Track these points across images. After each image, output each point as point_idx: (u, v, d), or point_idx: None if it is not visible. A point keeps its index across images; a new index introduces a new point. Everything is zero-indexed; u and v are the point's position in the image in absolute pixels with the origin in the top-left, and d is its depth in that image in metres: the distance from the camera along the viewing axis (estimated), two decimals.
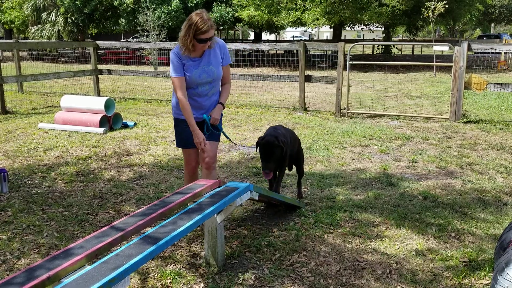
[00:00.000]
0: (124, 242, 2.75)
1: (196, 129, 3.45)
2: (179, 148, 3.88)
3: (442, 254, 3.32)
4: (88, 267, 2.10)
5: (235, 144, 3.58)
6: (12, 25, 33.40)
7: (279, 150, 3.74)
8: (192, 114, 3.45)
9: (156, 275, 3.06)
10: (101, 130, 7.31)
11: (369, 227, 3.77)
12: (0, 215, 4.06)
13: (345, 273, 3.07)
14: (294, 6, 21.51)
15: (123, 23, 26.06)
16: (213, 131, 3.64)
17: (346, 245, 3.47)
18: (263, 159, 3.73)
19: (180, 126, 3.68)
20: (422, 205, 4.22)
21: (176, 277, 3.02)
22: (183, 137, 3.70)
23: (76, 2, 26.15)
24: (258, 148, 3.79)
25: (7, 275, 3.06)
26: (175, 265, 3.20)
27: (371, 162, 5.66)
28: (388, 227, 3.77)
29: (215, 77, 3.56)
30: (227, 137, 3.70)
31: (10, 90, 12.44)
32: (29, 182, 4.95)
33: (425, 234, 3.64)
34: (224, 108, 3.72)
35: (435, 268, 3.13)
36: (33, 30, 29.52)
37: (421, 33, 43.50)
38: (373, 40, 34.52)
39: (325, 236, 3.61)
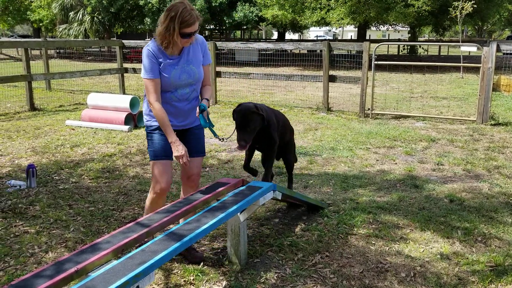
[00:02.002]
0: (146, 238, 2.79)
1: (176, 140, 2.92)
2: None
3: (467, 258, 3.27)
4: (114, 262, 2.14)
5: (222, 140, 3.29)
6: (40, 24, 34.17)
7: (258, 118, 3.23)
8: (168, 121, 2.93)
9: (179, 272, 3.10)
10: (126, 127, 7.42)
11: (393, 229, 3.73)
12: (29, 209, 4.16)
13: (368, 275, 3.05)
14: (319, 6, 21.40)
15: (148, 22, 26.35)
16: (211, 124, 3.10)
17: (369, 247, 3.44)
18: (238, 128, 3.20)
19: (156, 133, 3.10)
20: (448, 208, 4.16)
21: (199, 274, 3.05)
22: (161, 145, 3.09)
23: (103, 1, 26.57)
24: (233, 115, 3.26)
25: (35, 267, 3.14)
26: (198, 262, 3.23)
27: (396, 163, 5.60)
28: (412, 230, 3.72)
29: (197, 78, 3.09)
30: (215, 135, 3.19)
31: (38, 87, 12.73)
32: (57, 177, 5.06)
33: (451, 237, 3.59)
34: (209, 106, 3.15)
35: (460, 272, 3.08)
36: (60, 29, 30.13)
37: (448, 33, 42.76)
38: (399, 40, 34.10)
39: (348, 237, 3.59)
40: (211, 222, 2.63)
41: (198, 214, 2.79)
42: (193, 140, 3.21)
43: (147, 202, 3.22)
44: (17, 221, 3.90)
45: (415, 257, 3.28)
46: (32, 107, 9.47)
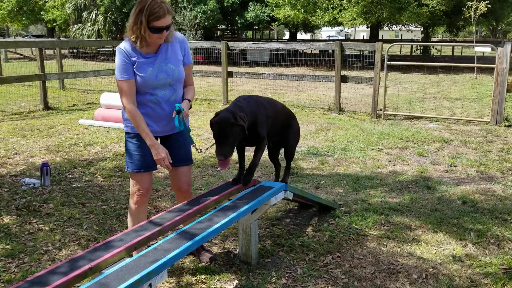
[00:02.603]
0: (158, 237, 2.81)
1: (155, 142, 2.75)
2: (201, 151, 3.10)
3: (480, 260, 3.24)
4: (127, 260, 2.17)
5: (199, 150, 3.03)
6: (54, 24, 34.50)
7: (238, 129, 2.88)
8: (145, 124, 2.75)
9: (191, 270, 3.11)
10: None
11: (405, 230, 3.71)
12: (43, 207, 4.22)
13: (380, 276, 3.04)
14: (331, 6, 21.33)
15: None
16: (186, 128, 2.90)
17: (381, 248, 3.43)
18: (216, 141, 2.89)
19: (133, 142, 2.92)
20: (461, 210, 4.12)
21: (210, 273, 3.06)
22: (139, 156, 2.90)
23: (116, 1, 26.77)
24: (211, 127, 2.94)
25: (49, 265, 3.18)
26: (209, 261, 3.24)
27: (408, 164, 5.57)
28: (424, 231, 3.70)
29: (176, 78, 2.87)
30: (191, 142, 2.97)
31: (52, 87, 12.86)
32: (70, 176, 5.12)
33: (463, 239, 3.56)
34: (191, 107, 2.98)
35: (473, 275, 3.05)
36: (74, 29, 30.41)
37: (461, 33, 42.35)
38: (412, 40, 33.85)
39: (360, 238, 3.58)
40: (222, 222, 2.64)
41: (209, 213, 2.80)
42: (177, 147, 2.96)
43: (130, 209, 3.09)
44: (31, 218, 3.95)
45: (427, 259, 3.26)
46: (46, 106, 9.58)
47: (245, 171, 3.28)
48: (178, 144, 2.99)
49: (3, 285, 2.93)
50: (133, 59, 2.74)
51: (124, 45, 2.76)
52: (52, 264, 3.18)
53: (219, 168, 2.77)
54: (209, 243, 3.50)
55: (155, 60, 2.79)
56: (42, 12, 33.51)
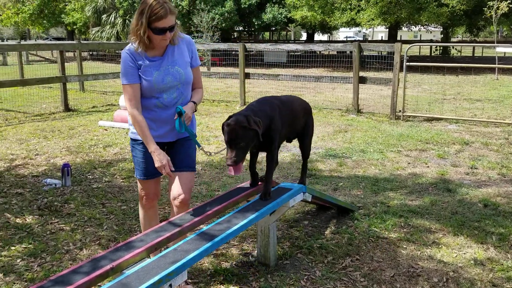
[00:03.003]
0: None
1: (156, 148, 2.64)
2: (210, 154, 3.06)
3: (502, 264, 3.18)
4: (148, 260, 2.19)
5: (208, 154, 2.93)
6: (74, 27, 35.01)
7: (251, 134, 2.72)
8: (148, 130, 2.67)
9: (209, 271, 3.13)
10: None
11: (425, 233, 3.67)
12: (64, 207, 4.28)
13: (399, 279, 3.01)
14: (349, 6, 21.22)
15: (178, 25, 26.66)
16: (188, 131, 2.79)
17: (400, 251, 3.40)
18: (228, 145, 2.72)
19: (139, 149, 2.86)
20: (482, 213, 4.06)
21: (229, 274, 3.07)
22: (147, 163, 2.84)
23: (134, 4, 27.05)
24: (223, 129, 2.79)
25: (71, 264, 3.23)
26: (228, 262, 3.26)
27: (428, 167, 5.50)
28: (445, 235, 3.65)
29: (183, 81, 2.77)
30: (199, 145, 2.86)
31: (72, 88, 13.06)
32: (90, 176, 5.19)
33: (485, 243, 3.50)
34: (196, 110, 2.89)
35: (494, 279, 3.00)
36: (93, 32, 30.83)
37: (482, 33, 41.69)
38: (431, 41, 33.46)
39: (379, 241, 3.55)
40: (242, 223, 2.65)
41: (228, 214, 2.81)
42: (182, 151, 2.86)
43: (140, 214, 3.10)
44: (53, 218, 4.02)
45: (447, 262, 3.22)
46: (67, 108, 9.73)
47: (264, 185, 3.12)
48: (183, 148, 2.88)
49: (26, 283, 2.98)
50: (139, 62, 2.67)
51: (129, 49, 2.69)
52: (74, 264, 3.23)
53: (231, 174, 2.71)
54: (228, 245, 3.51)
55: (161, 63, 2.71)
56: (63, 15, 34.03)
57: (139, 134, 2.71)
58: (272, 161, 3.05)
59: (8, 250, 3.42)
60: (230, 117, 2.78)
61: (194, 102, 2.85)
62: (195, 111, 2.87)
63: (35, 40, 49.45)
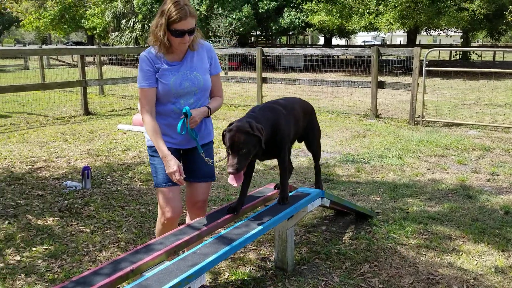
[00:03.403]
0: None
1: (168, 154, 2.56)
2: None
3: None
4: (167, 263, 2.21)
5: (209, 162, 2.79)
6: (94, 31, 35.56)
7: (253, 140, 2.60)
8: (161, 135, 2.62)
9: (227, 275, 3.14)
10: None
11: (445, 240, 3.62)
12: (84, 209, 4.34)
13: (418, 286, 2.97)
14: (367, 11, 21.11)
15: (198, 30, 26.86)
16: (190, 135, 2.71)
17: (420, 257, 3.36)
18: (230, 152, 2.57)
19: (158, 155, 2.70)
20: (503, 220, 3.99)
21: (246, 278, 3.08)
22: (162, 169, 2.71)
23: (153, 9, 27.35)
24: (223, 136, 2.66)
25: (90, 266, 3.27)
26: (245, 266, 3.26)
27: (448, 173, 5.43)
28: (465, 242, 3.60)
29: (202, 87, 2.72)
30: (200, 151, 2.73)
31: (92, 92, 13.25)
32: (109, 179, 5.25)
33: (506, 250, 3.44)
34: (209, 116, 2.80)
35: None
36: (113, 36, 31.25)
37: (503, 38, 41.04)
38: (451, 45, 33.08)
39: (398, 247, 3.51)
40: (260, 227, 2.66)
41: (246, 219, 2.82)
42: (199, 161, 2.76)
43: (157, 229, 2.88)
44: (73, 220, 4.07)
45: (468, 270, 3.17)
46: (86, 112, 9.87)
47: (280, 190, 3.04)
48: (200, 157, 2.78)
49: (47, 284, 3.03)
50: (157, 66, 2.64)
51: (148, 52, 2.67)
52: (93, 265, 3.27)
53: (233, 184, 2.56)
54: (245, 249, 3.52)
55: (180, 67, 2.67)
56: (83, 20, 34.60)
57: (150, 139, 2.64)
58: (284, 166, 2.96)
59: (29, 251, 3.48)
60: (231, 124, 2.67)
61: (209, 108, 2.76)
62: (208, 116, 2.79)
63: (56, 45, 50.31)
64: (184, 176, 2.60)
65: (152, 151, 2.77)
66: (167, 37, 2.55)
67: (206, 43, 2.82)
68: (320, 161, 3.58)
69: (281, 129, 2.84)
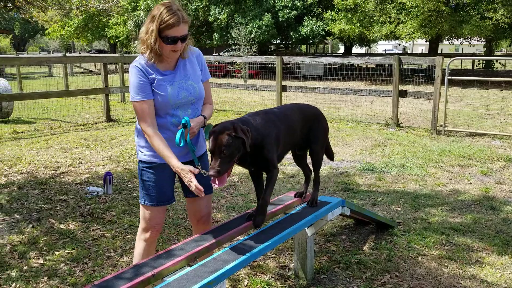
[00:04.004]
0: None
1: (180, 164, 2.39)
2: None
3: None
4: (188, 268, 2.22)
5: (204, 173, 2.56)
6: (116, 40, 36.16)
7: (236, 143, 2.43)
8: (168, 147, 2.43)
9: (246, 282, 3.13)
10: None
11: (468, 252, 3.55)
12: (106, 214, 4.40)
13: None
14: (388, 19, 21.00)
15: (216, 38, 27.13)
16: (189, 146, 2.55)
17: (442, 269, 3.30)
18: (211, 153, 2.44)
19: (150, 172, 2.60)
20: None
21: (265, 286, 3.07)
22: (157, 189, 2.61)
23: None
24: (209, 138, 2.51)
25: (111, 270, 3.31)
26: (264, 274, 3.26)
27: (471, 183, 5.34)
28: (488, 254, 3.53)
29: (198, 95, 2.59)
30: (197, 163, 2.57)
31: (114, 100, 13.45)
32: (130, 185, 5.31)
33: None
34: (205, 126, 2.67)
35: None
36: (134, 45, 31.49)
37: None
38: (474, 54, 32.62)
39: (419, 258, 3.46)
40: (279, 235, 2.65)
41: (266, 226, 2.82)
42: (196, 174, 2.49)
43: (140, 247, 2.70)
44: (95, 225, 4.13)
45: (491, 282, 3.11)
46: (109, 118, 10.02)
47: (256, 209, 2.76)
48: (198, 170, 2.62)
49: (69, 287, 3.08)
50: (151, 76, 2.46)
51: (139, 62, 2.47)
52: (114, 270, 3.31)
53: (215, 185, 2.44)
54: (264, 256, 3.51)
55: (174, 77, 2.51)
56: (106, 29, 35.24)
57: (160, 153, 2.43)
58: (272, 182, 2.67)
59: (52, 255, 3.54)
60: (216, 125, 2.53)
61: (204, 117, 2.64)
62: (204, 126, 2.66)
63: (79, 53, 51.32)
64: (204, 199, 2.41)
65: (146, 166, 2.60)
66: (160, 46, 2.39)
67: (194, 48, 2.66)
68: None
69: (269, 140, 2.64)
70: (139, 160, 2.64)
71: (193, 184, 2.31)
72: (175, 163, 2.37)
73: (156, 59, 2.45)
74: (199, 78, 2.62)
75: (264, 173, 2.79)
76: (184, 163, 2.52)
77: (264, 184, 2.72)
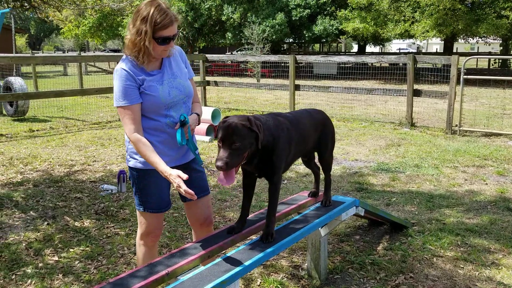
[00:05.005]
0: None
1: (168, 169, 2.26)
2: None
3: None
4: (201, 267, 2.22)
5: (211, 172, 2.43)
6: None
7: (250, 135, 2.28)
8: (155, 151, 2.33)
9: (259, 282, 3.13)
10: (208, 138, 7.66)
11: (484, 253, 3.51)
12: (119, 212, 4.43)
13: None
14: (403, 18, 20.82)
15: (229, 37, 27.17)
16: (191, 145, 2.52)
17: (457, 270, 3.26)
18: (221, 144, 2.25)
19: (146, 179, 2.52)
20: None
21: (278, 286, 3.06)
22: (159, 195, 2.56)
23: (188, 17, 27.82)
24: (217, 131, 2.33)
25: (125, 268, 3.33)
26: (277, 274, 3.25)
27: (486, 184, 5.27)
28: (505, 255, 3.48)
29: (188, 93, 2.54)
30: (200, 162, 2.54)
31: None
32: None
33: None
34: (199, 124, 2.61)
35: None
36: None
37: None
38: (489, 53, 32.20)
39: (434, 259, 3.43)
40: (293, 235, 2.64)
41: (280, 226, 2.81)
42: (193, 176, 2.52)
43: (142, 252, 2.67)
44: (109, 223, 4.16)
45: (508, 285, 3.06)
46: None
47: (265, 225, 2.58)
48: (194, 171, 2.61)
49: (83, 285, 3.10)
50: (139, 78, 2.37)
51: (125, 65, 2.36)
52: (128, 268, 3.33)
53: (223, 183, 2.24)
54: (277, 256, 3.50)
55: (162, 76, 2.44)
56: (120, 28, 35.48)
57: (147, 160, 2.33)
58: (275, 195, 2.51)
59: (67, 252, 3.57)
60: (227, 117, 2.37)
61: (198, 114, 2.59)
62: (198, 124, 2.60)
63: (94, 52, 51.75)
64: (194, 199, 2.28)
65: (144, 174, 2.50)
66: (152, 46, 2.32)
67: (176, 46, 2.58)
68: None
69: (280, 146, 2.48)
70: (133, 167, 2.52)
71: (182, 189, 2.21)
72: (163, 168, 2.27)
73: (146, 60, 2.38)
74: (186, 76, 2.57)
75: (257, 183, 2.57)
76: (183, 164, 2.51)
77: (253, 196, 2.53)
